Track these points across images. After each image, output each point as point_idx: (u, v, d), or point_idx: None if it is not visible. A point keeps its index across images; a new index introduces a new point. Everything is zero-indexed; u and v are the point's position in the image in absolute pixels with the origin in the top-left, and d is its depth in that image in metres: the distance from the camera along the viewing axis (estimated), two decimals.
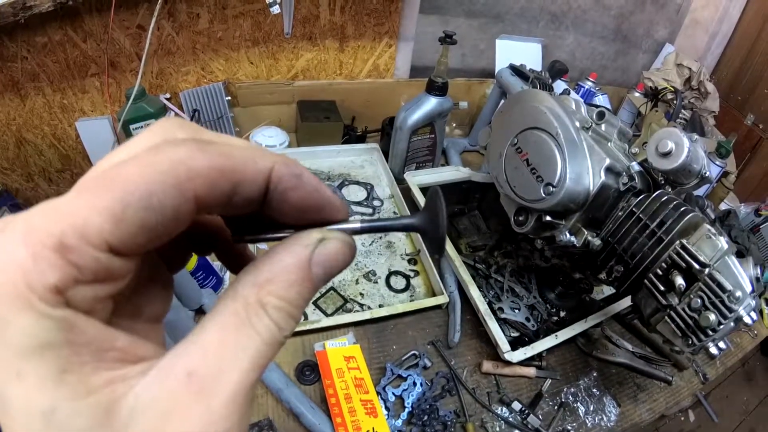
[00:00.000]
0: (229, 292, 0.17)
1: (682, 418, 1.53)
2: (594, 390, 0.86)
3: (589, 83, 1.51)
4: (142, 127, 1.10)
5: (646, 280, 0.69)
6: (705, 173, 0.77)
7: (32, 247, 0.13)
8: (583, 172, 0.68)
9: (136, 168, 0.14)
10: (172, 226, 0.15)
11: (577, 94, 1.49)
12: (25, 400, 0.13)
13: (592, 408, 0.84)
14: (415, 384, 0.79)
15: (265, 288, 0.16)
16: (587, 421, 0.82)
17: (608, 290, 1.00)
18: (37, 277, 0.13)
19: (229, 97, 1.22)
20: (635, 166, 0.72)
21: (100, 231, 0.13)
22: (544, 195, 0.69)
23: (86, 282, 0.13)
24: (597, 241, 0.72)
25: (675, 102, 1.33)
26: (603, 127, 0.78)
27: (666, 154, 0.71)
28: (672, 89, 1.40)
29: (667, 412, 0.92)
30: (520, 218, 0.74)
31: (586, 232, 0.72)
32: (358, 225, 0.20)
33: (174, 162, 0.14)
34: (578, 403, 0.84)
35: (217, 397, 0.14)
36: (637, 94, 1.56)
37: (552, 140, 0.69)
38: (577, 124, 0.72)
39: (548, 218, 0.70)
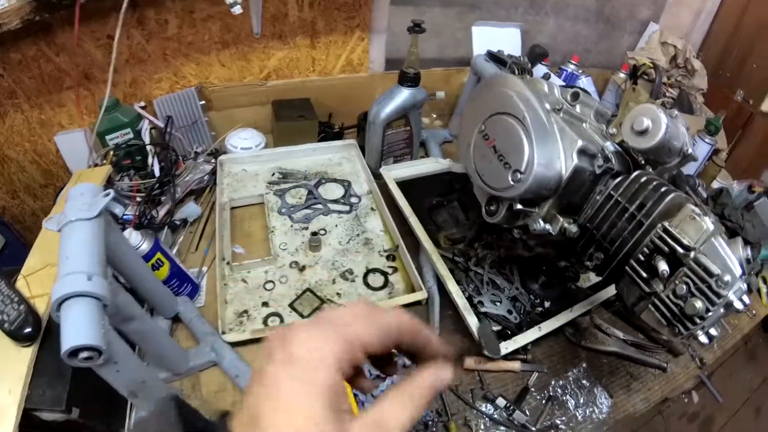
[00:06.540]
0: (410, 378, 0.31)
1: (686, 400, 1.50)
2: (584, 381, 0.84)
3: (572, 66, 1.48)
4: (118, 137, 1.08)
5: (627, 267, 0.65)
6: (687, 151, 0.73)
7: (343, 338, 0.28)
8: (553, 156, 0.65)
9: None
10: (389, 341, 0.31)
11: (560, 77, 1.46)
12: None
13: (582, 400, 0.81)
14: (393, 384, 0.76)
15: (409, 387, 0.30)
16: (578, 415, 0.79)
17: (595, 278, 0.97)
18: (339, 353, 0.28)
19: (203, 102, 1.20)
20: (609, 146, 0.68)
21: (364, 342, 0.29)
22: (512, 182, 0.65)
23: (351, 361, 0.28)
24: (573, 228, 0.69)
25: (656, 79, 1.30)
26: (578, 108, 0.74)
27: (642, 132, 0.68)
28: (651, 65, 1.36)
29: (669, 396, 0.89)
30: (492, 208, 0.71)
31: (561, 219, 0.69)
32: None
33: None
34: (567, 396, 0.81)
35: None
36: (621, 75, 1.52)
37: (519, 124, 0.66)
38: (548, 106, 0.69)
39: (519, 206, 0.67)
